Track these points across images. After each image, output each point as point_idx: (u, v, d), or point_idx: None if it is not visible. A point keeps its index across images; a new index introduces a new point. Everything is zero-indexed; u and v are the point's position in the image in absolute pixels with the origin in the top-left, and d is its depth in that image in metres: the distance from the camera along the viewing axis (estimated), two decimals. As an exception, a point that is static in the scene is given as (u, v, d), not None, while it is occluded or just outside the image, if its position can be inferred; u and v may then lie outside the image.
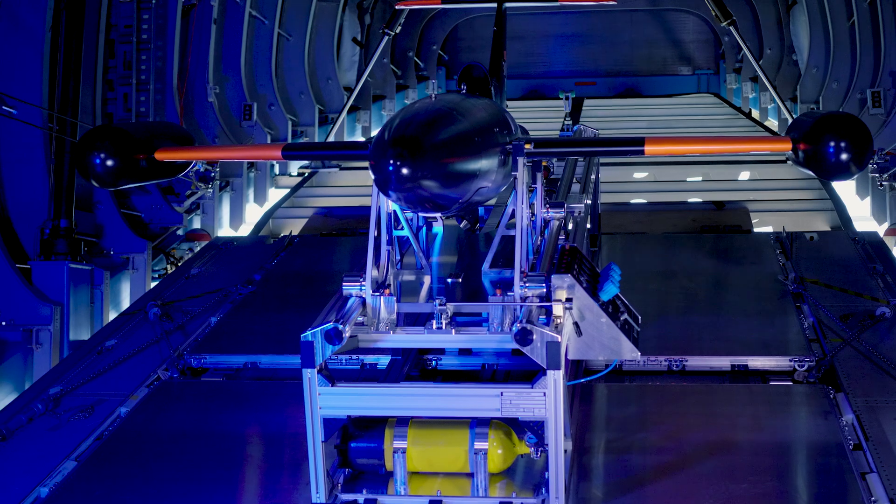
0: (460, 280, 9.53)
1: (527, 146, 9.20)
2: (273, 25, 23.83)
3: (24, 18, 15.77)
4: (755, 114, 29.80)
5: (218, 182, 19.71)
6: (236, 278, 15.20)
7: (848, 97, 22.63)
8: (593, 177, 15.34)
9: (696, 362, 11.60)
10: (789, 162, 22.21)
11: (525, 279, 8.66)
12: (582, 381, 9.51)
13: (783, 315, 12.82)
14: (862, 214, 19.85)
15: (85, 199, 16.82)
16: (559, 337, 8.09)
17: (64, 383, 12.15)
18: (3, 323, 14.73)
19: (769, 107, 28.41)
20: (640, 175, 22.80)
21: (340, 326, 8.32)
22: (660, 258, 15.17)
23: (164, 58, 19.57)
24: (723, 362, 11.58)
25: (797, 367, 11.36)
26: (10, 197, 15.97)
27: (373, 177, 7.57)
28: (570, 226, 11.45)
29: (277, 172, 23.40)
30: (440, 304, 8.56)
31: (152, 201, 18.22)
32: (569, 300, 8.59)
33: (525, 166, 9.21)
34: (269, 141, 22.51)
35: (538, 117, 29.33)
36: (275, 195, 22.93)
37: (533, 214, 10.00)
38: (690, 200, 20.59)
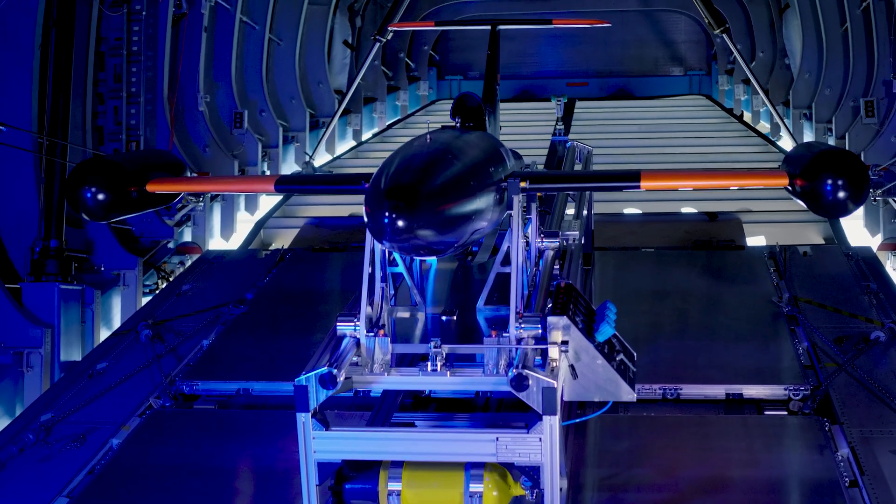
0: (455, 317, 9.47)
1: (522, 183, 9.16)
2: (264, 30, 23.67)
3: (14, 36, 15.62)
4: (747, 116, 29.75)
5: (209, 194, 19.59)
6: (228, 296, 15.12)
7: (841, 105, 22.53)
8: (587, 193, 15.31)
9: (690, 391, 11.56)
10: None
11: (520, 320, 8.61)
12: (577, 420, 9.44)
13: (777, 339, 12.78)
14: (854, 222, 19.75)
15: (75, 214, 16.67)
16: (555, 382, 8.02)
17: (55, 410, 12.09)
18: None
19: (761, 110, 28.32)
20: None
21: (335, 371, 8.22)
22: (653, 276, 15.10)
23: (154, 68, 19.39)
24: (717, 391, 11.54)
25: (792, 396, 11.34)
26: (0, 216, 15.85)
27: (367, 223, 7.51)
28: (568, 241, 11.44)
29: (268, 179, 23.25)
30: (435, 347, 8.50)
31: (143, 215, 17.98)
32: (564, 342, 8.51)
33: (520, 203, 9.17)
34: (259, 148, 22.39)
35: (530, 120, 29.28)
36: (266, 203, 22.80)
37: (527, 244, 9.95)
38: (683, 210, 20.54)
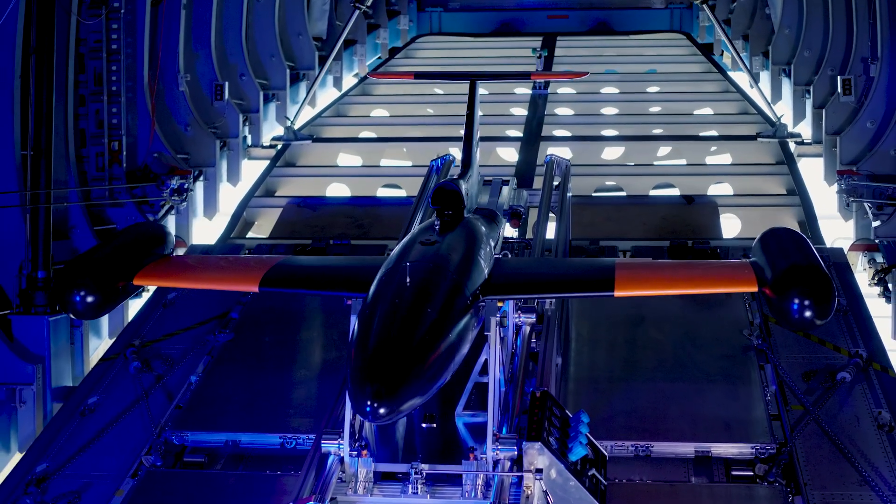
0: (435, 425, 9.86)
1: (500, 304, 9.51)
2: (244, -11, 23.48)
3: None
4: (726, 57, 29.73)
5: (192, 191, 19.72)
6: (213, 310, 15.47)
7: (820, 71, 22.64)
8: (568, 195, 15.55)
9: (661, 448, 12.02)
10: (759, 140, 22.17)
11: (497, 441, 9.09)
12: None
13: (747, 383, 13.21)
14: (827, 210, 20.05)
15: (60, 224, 16.88)
16: (529, 518, 8.53)
17: (49, 459, 12.55)
18: None
19: (742, 54, 28.26)
20: (612, 152, 23.01)
21: (319, 506, 8.73)
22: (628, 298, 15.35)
23: (134, 55, 19.33)
24: (687, 449, 12.02)
25: (759, 456, 11.82)
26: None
27: (350, 399, 7.90)
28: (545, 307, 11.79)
29: (250, 143, 23.39)
30: (416, 473, 8.98)
31: (127, 214, 18.29)
32: (539, 470, 8.98)
33: (497, 324, 9.49)
34: (240, 119, 22.40)
35: (510, 56, 29.27)
36: (248, 168, 22.93)
37: (504, 321, 10.28)
38: (661, 192, 20.83)
